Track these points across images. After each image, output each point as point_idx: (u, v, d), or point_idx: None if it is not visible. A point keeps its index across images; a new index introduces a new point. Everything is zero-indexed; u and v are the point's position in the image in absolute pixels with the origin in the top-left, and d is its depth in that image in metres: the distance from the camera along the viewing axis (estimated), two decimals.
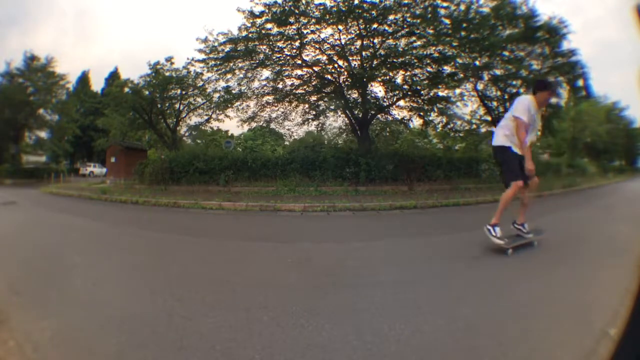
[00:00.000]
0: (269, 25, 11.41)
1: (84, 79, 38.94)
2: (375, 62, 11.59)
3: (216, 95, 15.66)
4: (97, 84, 40.82)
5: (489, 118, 14.52)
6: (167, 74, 15.70)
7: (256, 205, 8.17)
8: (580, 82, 12.79)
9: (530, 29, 10.93)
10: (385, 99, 12.98)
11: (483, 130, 15.74)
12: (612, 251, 4.01)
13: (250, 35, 11.75)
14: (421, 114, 13.01)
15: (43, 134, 25.21)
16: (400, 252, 4.10)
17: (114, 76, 37.40)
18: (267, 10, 11.09)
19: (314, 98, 14.58)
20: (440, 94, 12.47)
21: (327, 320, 2.14)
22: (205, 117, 17.42)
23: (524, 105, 3.62)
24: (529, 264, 3.45)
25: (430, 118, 13.45)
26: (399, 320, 2.15)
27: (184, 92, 16.39)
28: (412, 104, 13.09)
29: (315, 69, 12.77)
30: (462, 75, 11.49)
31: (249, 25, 11.66)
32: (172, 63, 15.86)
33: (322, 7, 10.75)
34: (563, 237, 4.78)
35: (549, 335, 1.99)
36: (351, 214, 7.57)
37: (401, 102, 13.18)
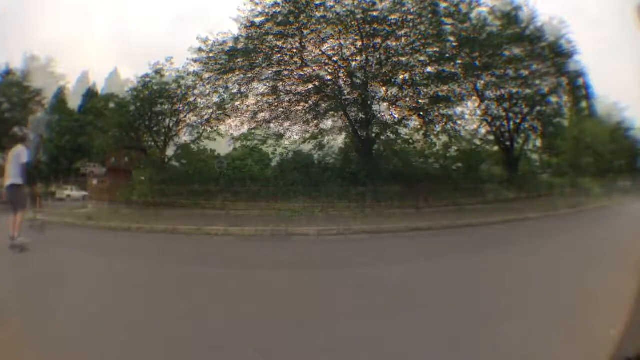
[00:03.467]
0: (268, 26, 11.00)
1: (60, 96, 37.19)
2: (379, 79, 11.44)
3: (209, 111, 15.01)
4: (73, 103, 38.88)
5: (491, 137, 14.66)
6: (156, 87, 14.93)
7: (267, 230, 7.50)
8: (585, 104, 13.04)
9: (535, 48, 11.09)
10: (390, 118, 12.87)
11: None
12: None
13: (249, 44, 11.34)
14: (427, 133, 12.90)
15: None
16: (446, 274, 3.94)
17: (91, 92, 35.98)
18: (269, 18, 10.77)
19: (311, 117, 14.29)
20: (444, 112, 12.42)
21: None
22: (196, 135, 16.64)
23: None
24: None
25: (435, 133, 13.33)
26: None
27: (174, 108, 15.62)
28: (416, 122, 13.02)
29: (317, 84, 12.49)
30: (466, 92, 11.49)
31: (248, 36, 11.28)
32: (161, 76, 15.13)
33: (323, 18, 10.59)
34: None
35: (551, 335, 2.14)
36: (369, 236, 7.16)
37: (404, 121, 13.08)
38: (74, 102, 31.97)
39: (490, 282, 3.52)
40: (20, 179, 5.53)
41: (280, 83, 13.03)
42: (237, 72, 12.19)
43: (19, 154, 5.60)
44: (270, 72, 12.38)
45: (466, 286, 3.36)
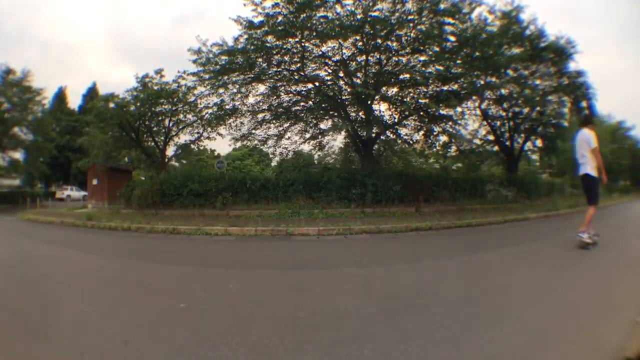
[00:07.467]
0: (268, 26, 10.95)
1: (60, 96, 37.16)
2: (379, 79, 11.40)
3: (208, 111, 14.98)
4: (73, 103, 38.86)
5: (491, 137, 14.59)
6: (157, 87, 14.92)
7: (267, 230, 7.51)
8: (584, 103, 13.02)
9: (536, 49, 11.06)
10: (390, 118, 12.84)
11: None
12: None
13: (248, 47, 11.29)
14: (428, 133, 12.86)
15: (17, 155, 23.46)
16: (444, 273, 4.02)
17: (92, 92, 35.90)
18: (268, 18, 10.72)
19: (311, 117, 14.26)
20: (444, 112, 12.39)
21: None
22: (197, 135, 16.64)
23: (592, 137, 5.02)
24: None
25: (435, 133, 13.30)
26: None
27: (174, 108, 15.62)
28: (416, 122, 12.96)
29: (317, 84, 12.44)
30: (466, 92, 11.43)
31: (248, 37, 11.22)
32: (162, 76, 15.12)
33: (324, 18, 10.54)
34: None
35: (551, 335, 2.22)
36: (369, 236, 7.18)
37: (404, 121, 13.06)
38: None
39: (490, 282, 3.52)
40: (593, 170, 5.06)
41: (280, 83, 13.01)
42: (237, 72, 12.15)
43: (588, 139, 5.03)
44: (270, 72, 12.34)
45: (466, 286, 3.37)
